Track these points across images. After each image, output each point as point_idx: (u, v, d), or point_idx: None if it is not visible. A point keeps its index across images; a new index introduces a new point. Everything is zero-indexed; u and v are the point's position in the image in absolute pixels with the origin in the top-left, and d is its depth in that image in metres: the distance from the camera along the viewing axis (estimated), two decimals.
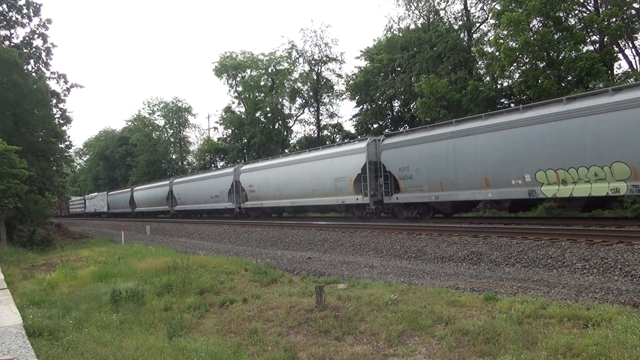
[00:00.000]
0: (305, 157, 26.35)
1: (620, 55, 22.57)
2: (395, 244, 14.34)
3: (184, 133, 65.46)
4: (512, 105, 25.60)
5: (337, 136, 45.70)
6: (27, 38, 32.30)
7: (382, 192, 20.52)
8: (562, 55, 22.02)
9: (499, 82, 27.30)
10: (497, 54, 23.71)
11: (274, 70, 47.15)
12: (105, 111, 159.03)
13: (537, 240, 11.61)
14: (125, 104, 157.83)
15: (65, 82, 33.97)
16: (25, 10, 31.32)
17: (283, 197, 27.26)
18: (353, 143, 23.31)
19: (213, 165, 55.66)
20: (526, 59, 23.06)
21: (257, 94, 47.66)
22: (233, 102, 51.72)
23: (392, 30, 37.17)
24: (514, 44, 22.57)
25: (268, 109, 45.87)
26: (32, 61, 32.38)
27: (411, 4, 33.63)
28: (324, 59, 44.81)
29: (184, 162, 65.42)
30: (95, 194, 67.28)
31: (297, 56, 45.92)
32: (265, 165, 30.02)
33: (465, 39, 30.61)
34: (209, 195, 34.75)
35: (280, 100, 46.68)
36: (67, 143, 35.34)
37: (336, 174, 22.57)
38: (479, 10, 31.38)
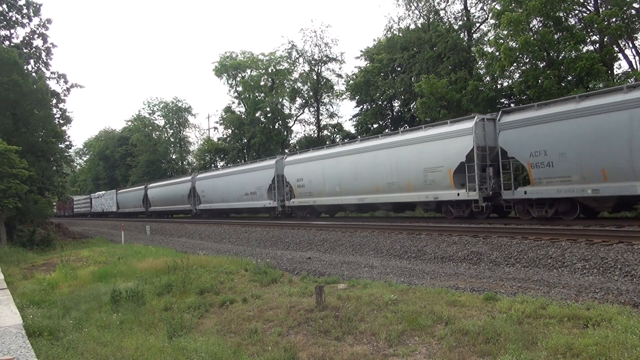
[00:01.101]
0: (379, 143, 21.21)
1: (620, 55, 22.60)
2: (395, 244, 14.34)
3: (184, 133, 65.58)
4: (511, 105, 25.60)
5: (337, 136, 45.71)
6: (27, 38, 32.32)
7: (495, 185, 16.64)
8: (562, 55, 22.02)
9: (499, 82, 27.31)
10: (497, 54, 23.70)
11: (274, 70, 47.15)
12: (105, 111, 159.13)
13: (537, 240, 11.61)
14: (125, 104, 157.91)
15: (65, 82, 34.01)
16: (25, 10, 31.33)
17: (344, 192, 22.66)
18: (452, 124, 18.29)
19: (213, 165, 55.63)
20: (526, 59, 23.06)
21: (257, 94, 47.66)
22: (233, 102, 51.81)
23: (392, 30, 37.21)
24: (514, 44, 22.56)
25: (268, 109, 45.87)
26: (32, 61, 32.39)
27: (411, 4, 33.65)
28: (324, 59, 44.84)
29: (184, 162, 65.43)
30: (103, 192, 63.04)
31: (297, 56, 46.00)
32: (319, 155, 25.16)
33: (465, 39, 30.61)
34: (243, 192, 30.12)
35: (280, 100, 46.71)
36: (67, 143, 35.35)
37: (427, 163, 18.38)
38: (479, 10, 31.43)
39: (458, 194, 17.22)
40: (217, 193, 33.83)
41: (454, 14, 32.25)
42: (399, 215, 23.17)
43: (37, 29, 32.14)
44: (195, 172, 40.81)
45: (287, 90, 47.12)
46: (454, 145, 17.29)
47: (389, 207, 21.69)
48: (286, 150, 41.92)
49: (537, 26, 23.24)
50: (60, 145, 33.03)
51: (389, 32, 37.60)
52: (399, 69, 36.30)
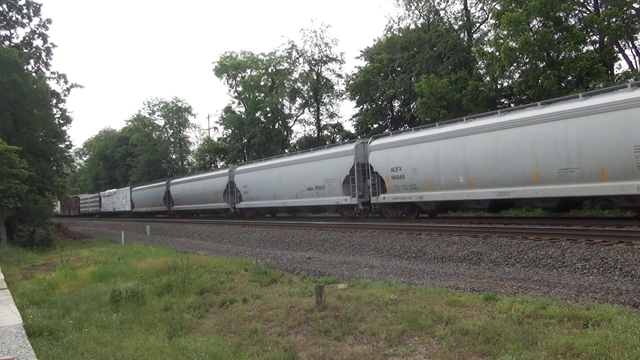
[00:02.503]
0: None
1: (620, 55, 22.61)
2: (395, 244, 14.34)
3: (184, 133, 65.58)
4: (512, 105, 25.60)
5: (337, 136, 45.73)
6: (27, 38, 32.30)
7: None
8: (562, 55, 22.03)
9: (499, 82, 27.31)
10: (497, 54, 23.70)
11: (274, 70, 47.16)
12: (105, 111, 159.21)
13: (537, 240, 11.61)
14: (125, 104, 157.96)
15: (65, 82, 33.97)
16: (25, 10, 31.31)
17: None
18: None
19: (213, 165, 55.65)
20: (526, 59, 23.05)
21: (257, 94, 47.67)
22: (233, 102, 51.82)
23: (392, 30, 37.21)
24: (514, 44, 22.57)
25: (268, 109, 45.88)
26: (32, 61, 32.37)
27: (411, 4, 33.65)
28: (324, 59, 44.86)
29: (184, 162, 65.46)
30: (114, 190, 57.87)
31: (297, 56, 46.02)
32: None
33: (465, 39, 30.61)
34: (303, 186, 28.03)
35: (280, 100, 46.71)
36: (67, 143, 35.33)
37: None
38: (479, 10, 31.44)
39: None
40: (265, 188, 28.89)
41: (454, 14, 32.31)
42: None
43: (37, 29, 32.14)
44: (232, 164, 37.06)
45: (287, 90, 47.13)
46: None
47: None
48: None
49: (537, 26, 23.25)
50: (60, 145, 33.02)
51: (389, 32, 37.64)
52: (399, 69, 36.30)
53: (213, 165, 55.70)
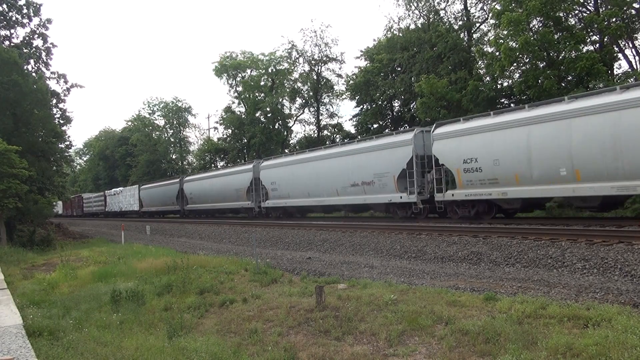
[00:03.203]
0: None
1: (620, 55, 22.61)
2: (395, 244, 14.34)
3: (184, 133, 65.62)
4: (512, 105, 25.60)
5: (337, 136, 45.73)
6: (27, 38, 32.32)
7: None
8: (562, 55, 22.03)
9: (499, 82, 27.30)
10: (497, 54, 23.70)
11: (274, 70, 47.18)
12: (105, 111, 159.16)
13: (537, 240, 11.61)
14: (125, 104, 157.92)
15: (65, 82, 34.01)
16: (25, 10, 31.32)
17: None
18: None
19: (213, 165, 55.63)
20: (526, 59, 23.06)
21: (257, 94, 47.70)
22: (233, 102, 51.84)
23: (392, 30, 37.22)
24: (514, 44, 22.56)
25: (268, 109, 45.90)
26: (32, 61, 32.38)
27: (411, 4, 33.64)
28: (324, 59, 44.88)
29: (184, 162, 65.49)
30: (120, 189, 55.21)
31: (297, 56, 46.03)
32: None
33: (465, 39, 30.61)
34: (346, 182, 25.03)
35: (280, 100, 46.73)
36: (67, 143, 35.35)
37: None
38: (479, 10, 31.42)
39: (401, 197, 18.92)
40: (297, 185, 26.03)
41: (454, 14, 32.28)
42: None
43: (37, 29, 32.16)
44: (257, 159, 33.50)
45: (287, 90, 47.15)
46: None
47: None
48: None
49: (537, 26, 23.24)
50: (60, 145, 33.02)
51: (389, 32, 37.64)
52: (399, 69, 36.30)
53: (213, 165, 55.70)
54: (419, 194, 18.51)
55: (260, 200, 28.81)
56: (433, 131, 18.07)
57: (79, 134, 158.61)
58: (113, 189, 58.04)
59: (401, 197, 18.87)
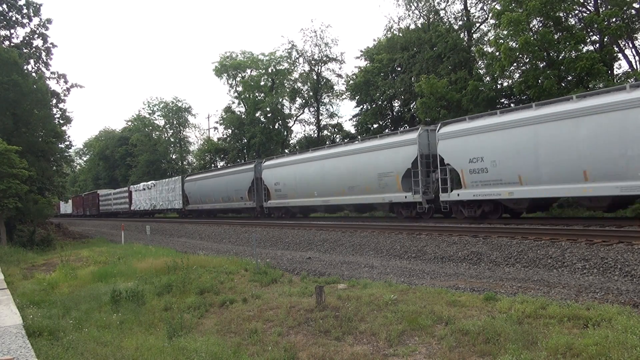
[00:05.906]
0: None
1: (620, 55, 22.61)
2: (395, 244, 14.34)
3: (184, 133, 65.61)
4: (512, 105, 25.60)
5: (337, 136, 45.72)
6: (27, 38, 32.33)
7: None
8: (562, 55, 22.01)
9: (499, 82, 27.30)
10: (497, 54, 23.69)
11: (274, 70, 47.18)
12: (105, 111, 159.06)
13: (537, 240, 11.61)
14: (125, 104, 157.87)
15: (65, 82, 34.03)
16: (25, 10, 31.34)
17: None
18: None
19: (213, 165, 55.60)
20: (526, 59, 23.04)
21: (257, 94, 47.70)
22: (233, 102, 51.83)
23: (392, 30, 37.21)
24: (514, 44, 22.56)
25: (268, 109, 45.88)
26: (32, 61, 32.42)
27: (411, 4, 33.64)
28: (324, 59, 44.83)
29: (184, 162, 65.50)
30: (152, 182, 43.85)
31: (297, 56, 46.00)
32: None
33: (465, 39, 30.60)
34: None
35: (280, 100, 46.71)
36: (67, 143, 35.39)
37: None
38: (479, 10, 31.39)
39: (405, 197, 18.71)
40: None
41: (454, 14, 32.26)
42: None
43: (37, 29, 32.17)
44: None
45: (287, 90, 47.13)
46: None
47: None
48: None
49: (537, 26, 23.24)
50: (60, 145, 33.06)
51: (389, 32, 37.63)
52: (399, 69, 36.29)
53: (213, 165, 55.66)
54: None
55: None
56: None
57: (79, 134, 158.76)
58: (142, 183, 47.26)
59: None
